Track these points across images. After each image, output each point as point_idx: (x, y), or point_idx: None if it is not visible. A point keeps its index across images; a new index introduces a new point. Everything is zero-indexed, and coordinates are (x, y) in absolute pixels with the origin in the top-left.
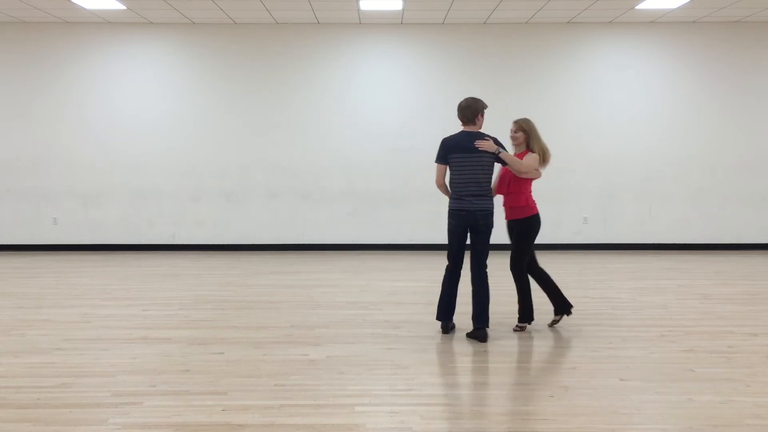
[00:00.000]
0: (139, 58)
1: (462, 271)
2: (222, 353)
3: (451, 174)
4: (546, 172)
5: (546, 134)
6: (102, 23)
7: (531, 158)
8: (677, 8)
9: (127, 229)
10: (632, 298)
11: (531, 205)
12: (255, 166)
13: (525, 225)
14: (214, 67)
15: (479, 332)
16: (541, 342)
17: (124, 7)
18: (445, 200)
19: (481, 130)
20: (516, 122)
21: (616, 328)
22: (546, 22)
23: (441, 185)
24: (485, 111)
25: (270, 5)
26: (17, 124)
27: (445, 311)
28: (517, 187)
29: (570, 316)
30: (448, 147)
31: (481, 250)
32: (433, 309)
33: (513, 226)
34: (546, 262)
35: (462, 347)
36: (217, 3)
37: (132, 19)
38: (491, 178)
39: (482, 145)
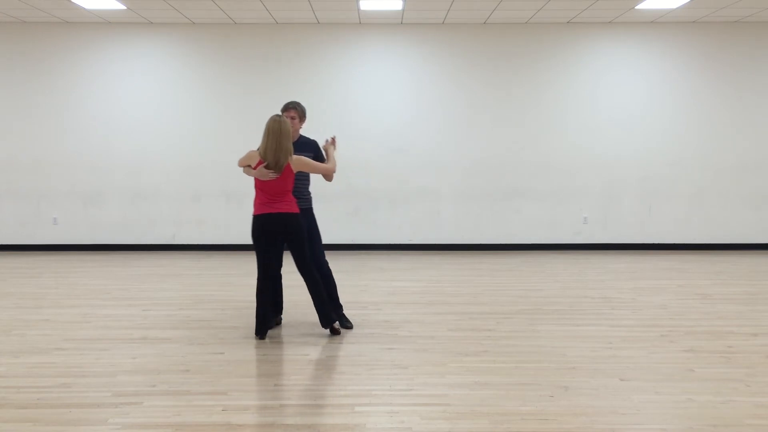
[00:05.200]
0: (139, 58)
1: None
2: (222, 353)
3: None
4: (546, 171)
5: (546, 134)
6: (102, 23)
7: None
8: (677, 8)
9: (127, 229)
10: (632, 298)
11: (254, 203)
12: None
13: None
14: (214, 67)
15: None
16: (541, 342)
17: (124, 7)
18: (444, 200)
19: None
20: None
21: (616, 328)
22: (546, 22)
23: None
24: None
25: (270, 5)
26: (17, 124)
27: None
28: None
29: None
30: None
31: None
32: (434, 309)
33: None
34: (546, 262)
35: (462, 347)
36: (217, 3)
37: (132, 19)
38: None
39: None
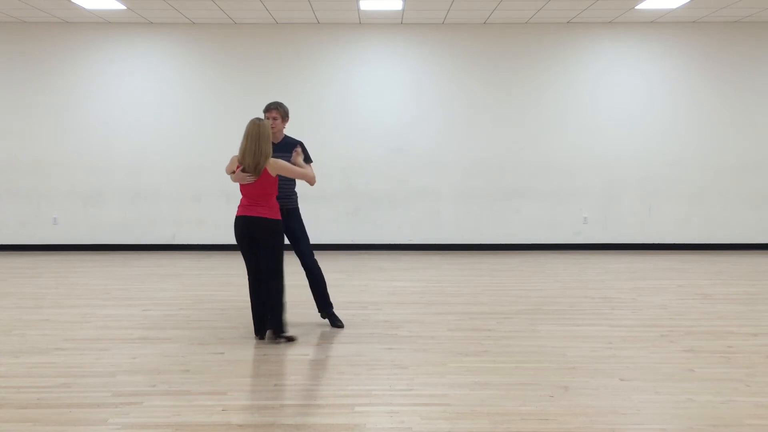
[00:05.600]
0: (139, 58)
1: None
2: (222, 353)
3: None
4: (546, 171)
5: (546, 134)
6: (102, 23)
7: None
8: (677, 8)
9: (127, 229)
10: (632, 298)
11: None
12: None
13: None
14: (214, 67)
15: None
16: (541, 342)
17: (124, 7)
18: (444, 200)
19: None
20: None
21: (616, 328)
22: (546, 22)
23: None
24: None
25: (270, 5)
26: (17, 124)
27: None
28: None
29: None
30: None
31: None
32: (434, 309)
33: None
34: (546, 262)
35: (462, 347)
36: (217, 3)
37: (132, 19)
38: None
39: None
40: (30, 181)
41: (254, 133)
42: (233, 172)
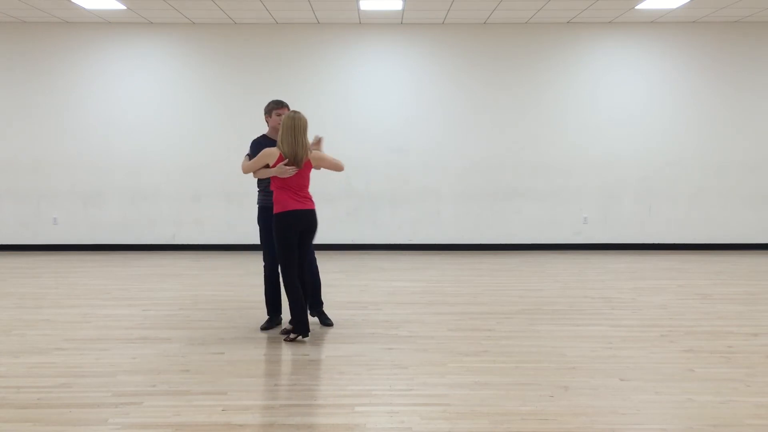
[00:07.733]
0: (139, 58)
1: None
2: (222, 353)
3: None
4: (546, 171)
5: (546, 134)
6: (102, 23)
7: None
8: (677, 8)
9: (127, 229)
10: (632, 298)
11: (277, 201)
12: None
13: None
14: (214, 67)
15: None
16: (541, 342)
17: (124, 7)
18: (444, 200)
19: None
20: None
21: (616, 328)
22: (546, 22)
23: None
24: (271, 112)
25: (270, 5)
26: (17, 124)
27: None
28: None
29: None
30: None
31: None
32: (434, 309)
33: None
34: (546, 262)
35: (462, 347)
36: (217, 3)
37: (132, 19)
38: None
39: None
40: (30, 181)
41: (290, 125)
42: (266, 166)
